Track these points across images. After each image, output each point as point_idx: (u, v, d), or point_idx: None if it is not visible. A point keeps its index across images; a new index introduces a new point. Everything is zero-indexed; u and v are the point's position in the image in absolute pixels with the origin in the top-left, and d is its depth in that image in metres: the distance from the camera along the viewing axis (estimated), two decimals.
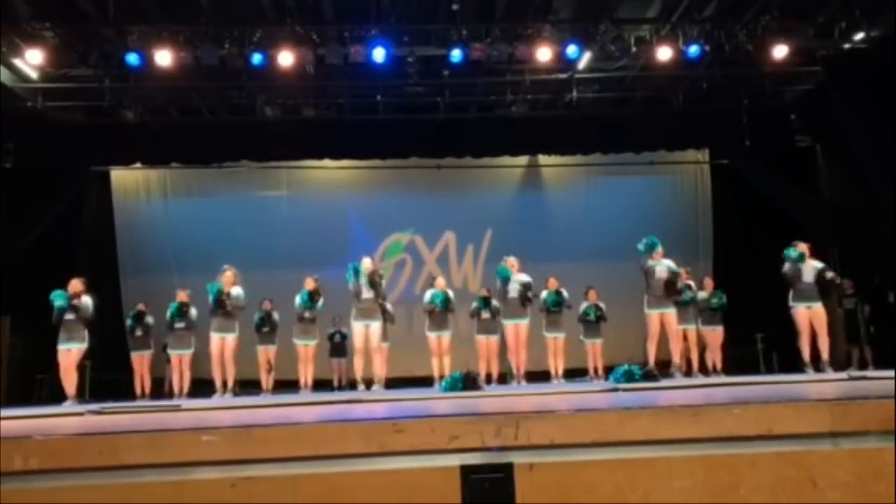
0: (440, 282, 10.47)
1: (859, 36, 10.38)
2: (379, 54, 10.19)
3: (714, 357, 10.41)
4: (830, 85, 11.31)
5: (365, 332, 8.97)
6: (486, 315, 10.03)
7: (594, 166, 14.07)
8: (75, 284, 8.57)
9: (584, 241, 13.70)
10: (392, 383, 10.22)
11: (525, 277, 9.36)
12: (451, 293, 10.18)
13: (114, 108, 11.93)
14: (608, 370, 8.57)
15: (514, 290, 9.28)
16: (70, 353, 8.45)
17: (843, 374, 6.29)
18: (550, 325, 10.15)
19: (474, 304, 10.28)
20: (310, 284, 9.94)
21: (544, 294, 10.09)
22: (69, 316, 8.43)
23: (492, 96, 12.85)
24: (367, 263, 9.07)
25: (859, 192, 11.39)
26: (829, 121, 11.54)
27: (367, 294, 9.11)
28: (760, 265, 13.22)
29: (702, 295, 10.44)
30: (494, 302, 10.01)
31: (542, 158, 14.43)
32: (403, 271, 14.38)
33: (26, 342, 11.72)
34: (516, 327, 9.35)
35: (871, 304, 11.66)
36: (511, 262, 9.48)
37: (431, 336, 9.93)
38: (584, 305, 10.59)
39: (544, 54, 10.43)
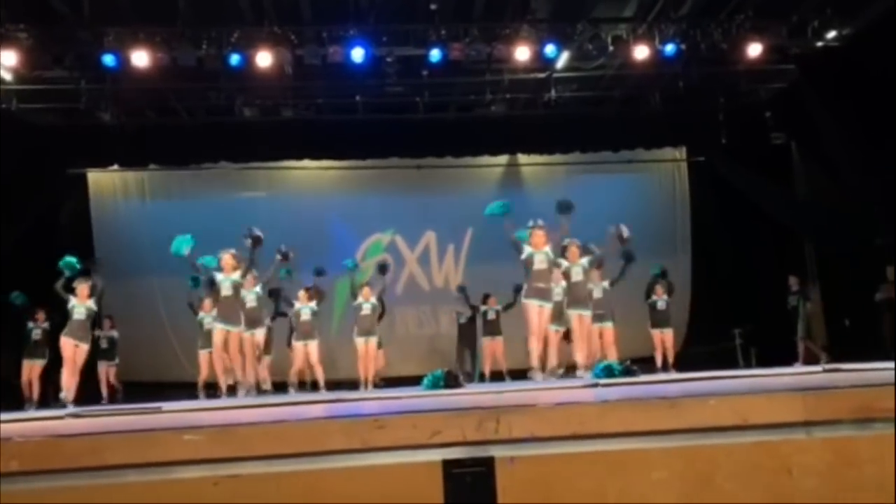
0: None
1: (831, 34, 10.55)
2: (357, 54, 10.19)
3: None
4: (804, 83, 11.47)
5: (365, 347, 10.41)
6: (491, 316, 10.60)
7: (573, 165, 14.15)
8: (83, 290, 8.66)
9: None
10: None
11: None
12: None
13: (90, 110, 11.82)
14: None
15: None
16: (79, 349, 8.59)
17: (818, 367, 6.39)
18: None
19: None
20: (303, 299, 10.11)
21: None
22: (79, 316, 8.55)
23: (471, 96, 12.89)
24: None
25: (833, 188, 11.57)
26: (803, 118, 11.71)
27: (366, 311, 10.56)
28: (738, 261, 13.42)
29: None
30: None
31: (522, 157, 14.50)
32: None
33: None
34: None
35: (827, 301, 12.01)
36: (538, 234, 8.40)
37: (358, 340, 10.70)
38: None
39: (523, 54, 10.48)
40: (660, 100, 12.91)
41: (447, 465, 2.00)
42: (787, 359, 10.97)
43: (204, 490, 1.96)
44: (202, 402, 7.51)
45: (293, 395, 8.38)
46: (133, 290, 12.95)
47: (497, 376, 10.96)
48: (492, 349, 11.21)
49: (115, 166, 13.45)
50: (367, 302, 10.89)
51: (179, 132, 12.67)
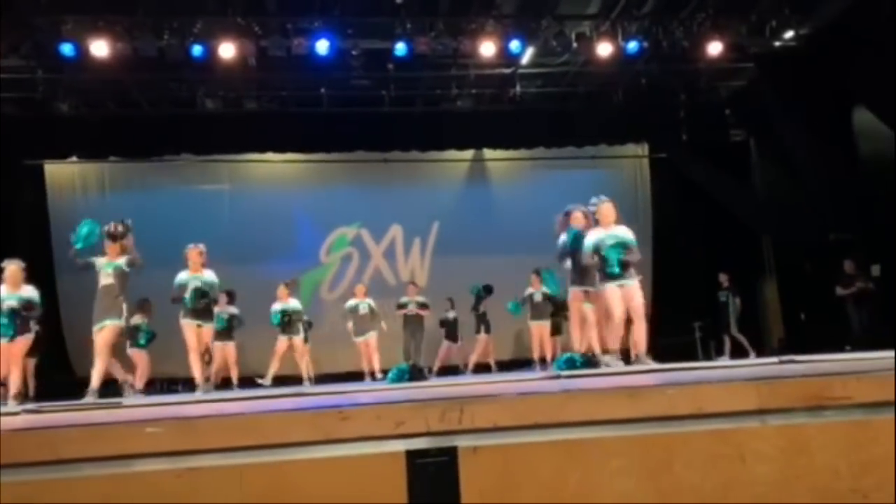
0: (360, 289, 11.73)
1: (789, 34, 10.79)
2: (322, 47, 10.13)
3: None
4: (762, 81, 11.70)
5: (365, 345, 11.37)
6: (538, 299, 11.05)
7: (538, 160, 14.25)
8: None
9: (529, 233, 13.85)
10: (337, 378, 10.24)
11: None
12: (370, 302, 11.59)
13: (47, 100, 11.57)
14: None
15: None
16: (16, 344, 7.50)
17: (774, 359, 6.54)
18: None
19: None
20: (283, 295, 10.18)
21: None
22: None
23: (437, 90, 12.90)
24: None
25: (790, 184, 11.83)
26: (762, 115, 11.95)
27: (363, 311, 11.33)
28: (697, 256, 13.65)
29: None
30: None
31: (488, 152, 14.55)
32: (350, 266, 14.31)
33: None
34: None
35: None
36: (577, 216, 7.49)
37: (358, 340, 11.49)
38: (528, 290, 11.31)
39: (488, 49, 10.52)
40: (622, 96, 13.06)
41: (411, 455, 2.02)
42: (744, 352, 11.25)
43: (166, 483, 1.95)
44: (165, 397, 7.42)
45: (254, 391, 8.30)
46: (89, 285, 12.68)
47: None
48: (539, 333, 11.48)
49: (74, 158, 13.15)
50: (362, 302, 11.54)
51: (141, 123, 12.45)
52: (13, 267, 7.66)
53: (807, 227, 11.38)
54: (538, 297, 11.23)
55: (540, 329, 11.28)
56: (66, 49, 9.73)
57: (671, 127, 13.18)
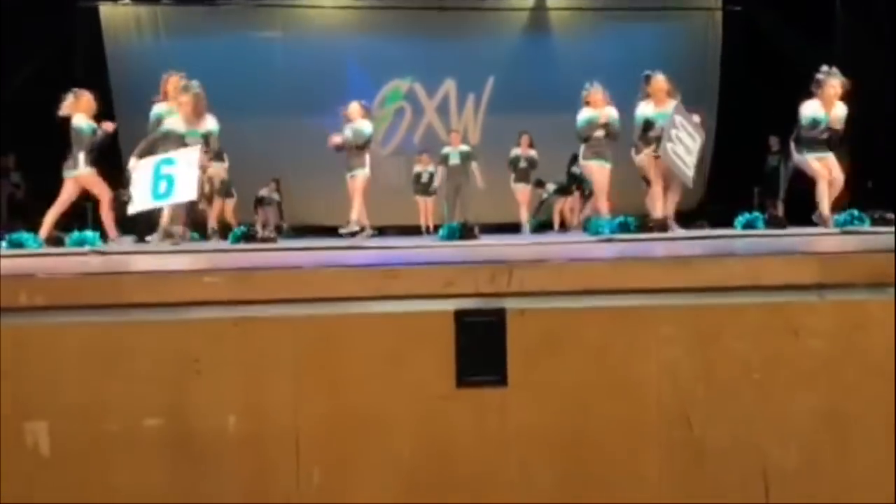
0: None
1: None
2: None
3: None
4: None
5: (424, 204, 12.07)
6: None
7: (603, 11, 13.52)
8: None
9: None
10: (391, 231, 10.42)
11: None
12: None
13: None
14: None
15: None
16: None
17: (836, 230, 6.37)
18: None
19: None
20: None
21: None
22: None
23: None
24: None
25: (875, 53, 11.03)
26: None
27: (424, 178, 12.06)
28: (766, 120, 13.06)
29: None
30: None
31: (550, 1, 13.82)
32: (403, 120, 14.17)
33: (30, 181, 11.81)
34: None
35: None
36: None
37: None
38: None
39: None
40: None
41: (459, 314, 2.05)
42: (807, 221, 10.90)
43: (223, 330, 2.02)
44: (222, 244, 7.67)
45: (311, 241, 8.50)
46: (147, 126, 12.90)
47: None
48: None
49: (128, 0, 12.99)
50: (425, 170, 12.00)
51: None
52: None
53: (886, 99, 10.71)
54: (523, 164, 11.31)
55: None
56: None
57: None
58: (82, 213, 10.97)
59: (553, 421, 2.05)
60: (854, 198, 12.22)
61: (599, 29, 13.94)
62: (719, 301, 2.11)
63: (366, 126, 8.88)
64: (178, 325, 2.03)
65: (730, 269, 2.17)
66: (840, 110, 7.26)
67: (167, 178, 6.49)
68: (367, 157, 8.87)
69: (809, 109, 7.21)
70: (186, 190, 6.51)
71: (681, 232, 6.78)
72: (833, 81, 7.19)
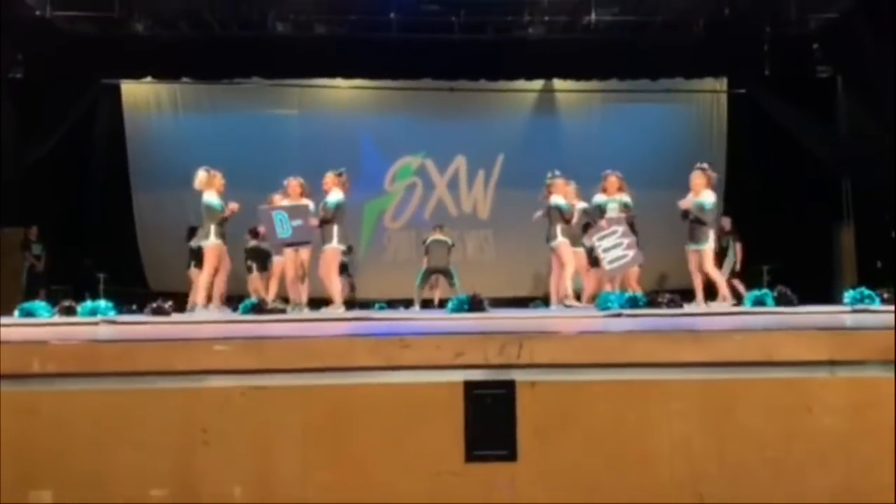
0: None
1: None
2: None
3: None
4: (857, 13, 10.96)
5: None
6: None
7: (609, 93, 13.83)
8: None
9: (597, 168, 13.53)
10: (401, 304, 10.40)
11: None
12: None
13: (123, 20, 11.73)
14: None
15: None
16: None
17: (846, 308, 6.34)
18: None
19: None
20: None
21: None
22: None
23: (508, 16, 12.52)
24: None
25: (877, 126, 11.21)
26: (853, 51, 11.24)
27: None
28: (771, 198, 13.17)
29: None
30: None
31: (558, 83, 14.17)
32: (414, 195, 14.35)
33: (49, 252, 11.98)
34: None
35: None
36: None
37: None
38: None
39: None
40: (703, 27, 12.45)
41: (469, 386, 2.04)
42: (816, 297, 10.85)
43: (232, 399, 2.02)
44: (233, 315, 7.69)
45: (319, 312, 8.51)
46: (163, 202, 13.12)
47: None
48: None
49: (149, 78, 13.41)
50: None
51: (212, 45, 12.57)
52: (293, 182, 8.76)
53: (890, 173, 10.81)
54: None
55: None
56: None
57: (753, 61, 12.51)
58: (94, 284, 11.14)
59: (563, 497, 2.01)
60: (863, 276, 12.26)
61: (606, 109, 14.25)
62: (732, 376, 2.10)
63: (332, 196, 8.37)
64: (187, 394, 2.03)
65: (742, 343, 2.16)
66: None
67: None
68: (336, 229, 8.28)
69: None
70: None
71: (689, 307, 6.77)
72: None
